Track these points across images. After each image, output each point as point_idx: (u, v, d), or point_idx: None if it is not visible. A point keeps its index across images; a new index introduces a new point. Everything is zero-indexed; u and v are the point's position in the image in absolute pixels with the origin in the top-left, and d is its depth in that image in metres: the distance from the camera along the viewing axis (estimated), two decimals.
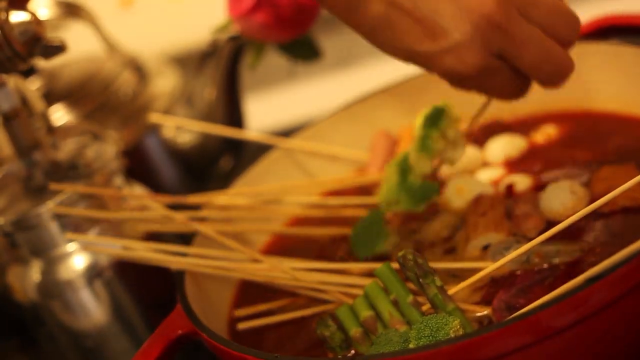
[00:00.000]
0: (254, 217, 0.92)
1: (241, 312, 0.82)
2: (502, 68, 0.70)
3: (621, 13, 0.95)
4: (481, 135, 0.94)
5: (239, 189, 0.93)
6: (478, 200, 0.81)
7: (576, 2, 1.22)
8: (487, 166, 0.90)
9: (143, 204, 0.89)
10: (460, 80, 0.71)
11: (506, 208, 0.80)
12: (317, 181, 0.96)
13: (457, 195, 0.84)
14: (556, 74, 0.71)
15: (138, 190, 0.89)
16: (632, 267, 0.61)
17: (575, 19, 0.71)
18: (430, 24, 0.68)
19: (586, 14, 0.97)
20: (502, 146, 0.91)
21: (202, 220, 0.87)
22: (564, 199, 0.77)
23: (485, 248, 0.77)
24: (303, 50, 1.04)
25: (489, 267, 0.71)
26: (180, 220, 0.85)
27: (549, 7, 0.69)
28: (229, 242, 0.84)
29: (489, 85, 0.72)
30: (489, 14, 0.67)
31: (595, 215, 0.74)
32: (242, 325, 0.80)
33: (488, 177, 0.88)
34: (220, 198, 0.90)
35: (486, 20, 0.67)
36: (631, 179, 0.71)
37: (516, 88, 0.72)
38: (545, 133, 0.91)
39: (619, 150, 0.83)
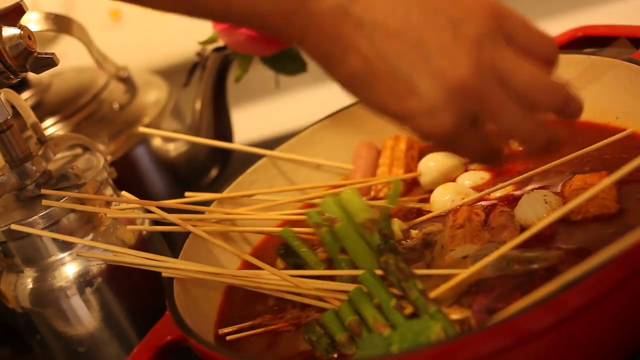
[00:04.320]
0: (243, 220, 0.92)
1: (225, 330, 0.82)
2: (476, 132, 0.68)
3: (595, 24, 0.96)
4: None
5: (227, 194, 0.94)
6: (455, 213, 0.82)
7: (552, 14, 1.24)
8: (468, 172, 0.91)
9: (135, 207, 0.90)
10: (434, 140, 0.69)
11: (483, 220, 0.81)
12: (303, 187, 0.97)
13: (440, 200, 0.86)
14: (531, 141, 0.68)
15: (129, 197, 0.90)
16: (605, 273, 0.63)
17: (557, 89, 0.68)
18: (405, 85, 0.66)
19: (561, 25, 0.99)
20: None
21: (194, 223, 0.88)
22: (538, 208, 0.78)
23: (463, 259, 0.77)
24: (288, 63, 1.04)
25: (469, 269, 0.72)
26: (174, 220, 0.86)
27: (529, 78, 0.66)
28: (223, 244, 0.86)
29: (463, 147, 0.70)
30: (463, 79, 0.65)
31: (568, 223, 0.76)
32: (230, 337, 0.81)
33: (469, 182, 0.89)
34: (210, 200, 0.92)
35: (460, 85, 0.65)
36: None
37: (490, 152, 0.71)
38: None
39: (594, 160, 0.83)
